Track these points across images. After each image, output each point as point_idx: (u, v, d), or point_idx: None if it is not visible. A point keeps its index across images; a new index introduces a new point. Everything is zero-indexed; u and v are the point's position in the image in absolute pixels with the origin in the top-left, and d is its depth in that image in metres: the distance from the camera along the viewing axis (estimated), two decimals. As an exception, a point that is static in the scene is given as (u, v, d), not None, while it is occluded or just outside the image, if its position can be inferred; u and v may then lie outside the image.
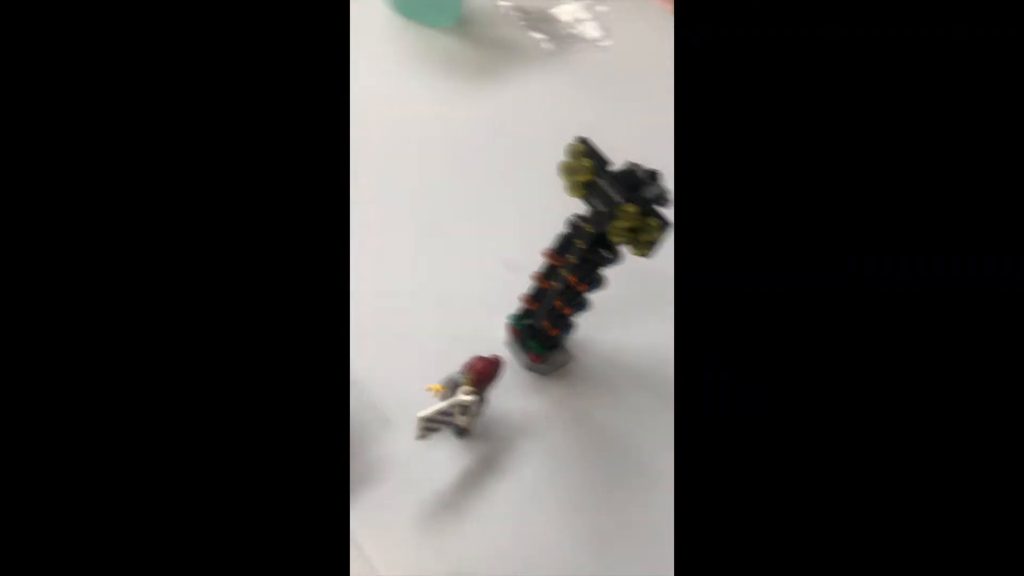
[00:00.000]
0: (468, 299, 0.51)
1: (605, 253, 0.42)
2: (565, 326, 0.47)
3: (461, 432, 0.44)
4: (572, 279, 0.43)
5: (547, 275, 0.45)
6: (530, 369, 0.49)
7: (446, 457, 0.44)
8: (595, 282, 0.43)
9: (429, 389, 0.41)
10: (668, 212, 0.37)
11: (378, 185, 0.55)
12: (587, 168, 0.40)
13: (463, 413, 0.41)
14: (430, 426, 0.40)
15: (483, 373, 0.41)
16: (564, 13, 0.75)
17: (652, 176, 0.39)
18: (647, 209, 0.38)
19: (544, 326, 0.46)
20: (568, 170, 0.41)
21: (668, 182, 0.38)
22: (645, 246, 0.38)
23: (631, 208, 0.37)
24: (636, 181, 0.39)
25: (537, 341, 0.48)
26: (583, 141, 0.40)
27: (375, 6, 0.70)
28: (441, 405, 0.40)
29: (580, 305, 0.45)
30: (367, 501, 0.40)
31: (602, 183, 0.39)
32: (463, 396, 0.41)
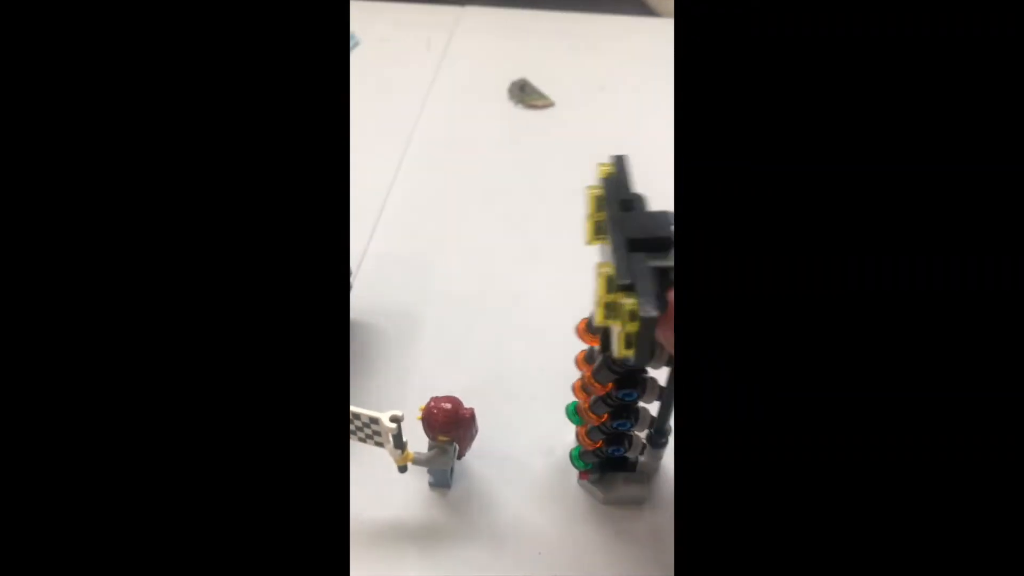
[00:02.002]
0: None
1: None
2: (615, 439, 0.36)
3: (433, 482, 0.40)
4: (590, 377, 0.33)
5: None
6: (584, 489, 0.40)
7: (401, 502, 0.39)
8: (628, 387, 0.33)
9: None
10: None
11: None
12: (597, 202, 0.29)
13: (397, 446, 0.35)
14: (355, 427, 0.35)
15: (433, 421, 0.36)
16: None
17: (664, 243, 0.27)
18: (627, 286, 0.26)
19: (579, 433, 0.37)
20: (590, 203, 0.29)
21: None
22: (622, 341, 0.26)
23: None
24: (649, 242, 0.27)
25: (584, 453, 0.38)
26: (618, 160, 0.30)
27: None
28: (369, 412, 0.34)
29: (621, 413, 0.34)
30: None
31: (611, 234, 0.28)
32: (385, 418, 0.34)
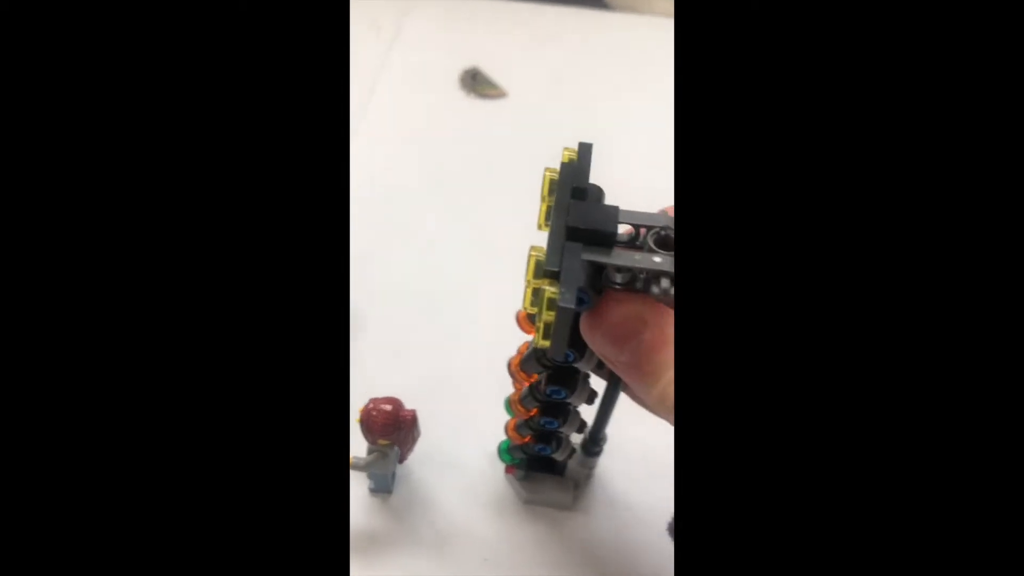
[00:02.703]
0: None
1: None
2: (542, 437, 0.34)
3: (373, 487, 0.38)
4: (516, 366, 0.32)
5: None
6: (510, 484, 0.39)
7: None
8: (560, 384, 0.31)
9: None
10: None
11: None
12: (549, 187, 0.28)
13: None
14: None
15: (372, 424, 0.34)
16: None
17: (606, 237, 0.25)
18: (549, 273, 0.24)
19: (508, 426, 0.35)
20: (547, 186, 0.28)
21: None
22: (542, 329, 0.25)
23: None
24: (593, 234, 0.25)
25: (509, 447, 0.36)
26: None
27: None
28: None
29: (549, 410, 0.33)
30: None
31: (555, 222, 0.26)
32: None
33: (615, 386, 0.32)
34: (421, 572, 0.36)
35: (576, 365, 0.30)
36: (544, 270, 0.25)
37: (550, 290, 0.24)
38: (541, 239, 0.28)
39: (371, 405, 0.35)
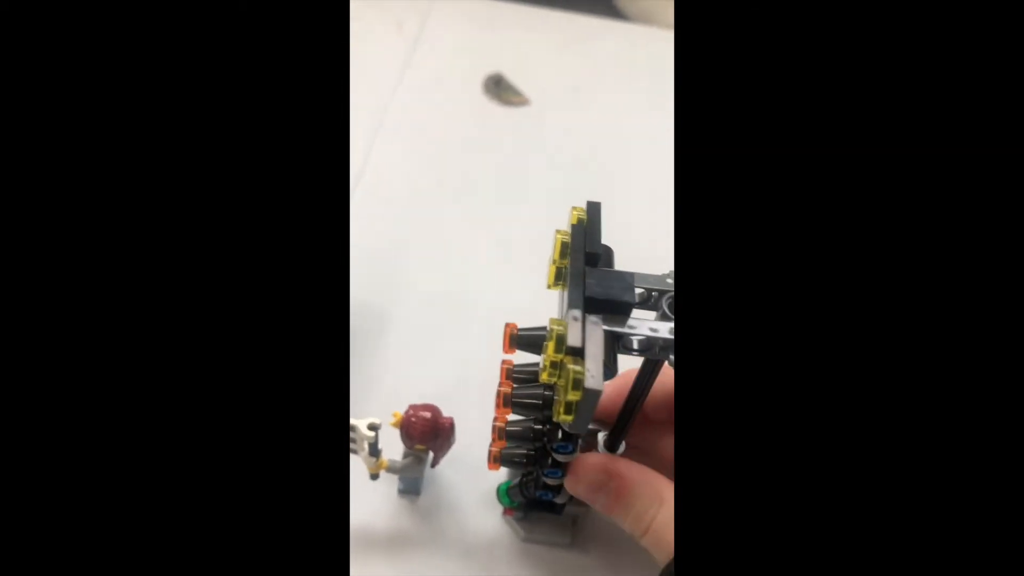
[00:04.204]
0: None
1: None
2: (528, 480, 0.34)
3: (402, 489, 0.39)
4: (502, 415, 0.32)
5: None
6: (508, 524, 0.39)
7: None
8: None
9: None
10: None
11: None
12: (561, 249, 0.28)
13: (372, 454, 0.34)
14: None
15: (412, 430, 0.35)
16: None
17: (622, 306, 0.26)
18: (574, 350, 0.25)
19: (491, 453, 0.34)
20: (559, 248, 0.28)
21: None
22: (562, 407, 0.25)
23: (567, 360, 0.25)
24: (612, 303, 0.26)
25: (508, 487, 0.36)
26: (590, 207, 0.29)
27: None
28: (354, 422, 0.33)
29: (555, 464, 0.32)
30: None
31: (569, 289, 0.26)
32: (363, 426, 0.33)
33: (620, 430, 0.33)
34: (447, 572, 0.37)
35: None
36: (567, 347, 0.25)
37: (575, 368, 0.24)
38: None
39: (411, 412, 0.36)
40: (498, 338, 0.29)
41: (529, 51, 0.74)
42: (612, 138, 0.65)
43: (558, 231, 0.29)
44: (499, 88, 0.67)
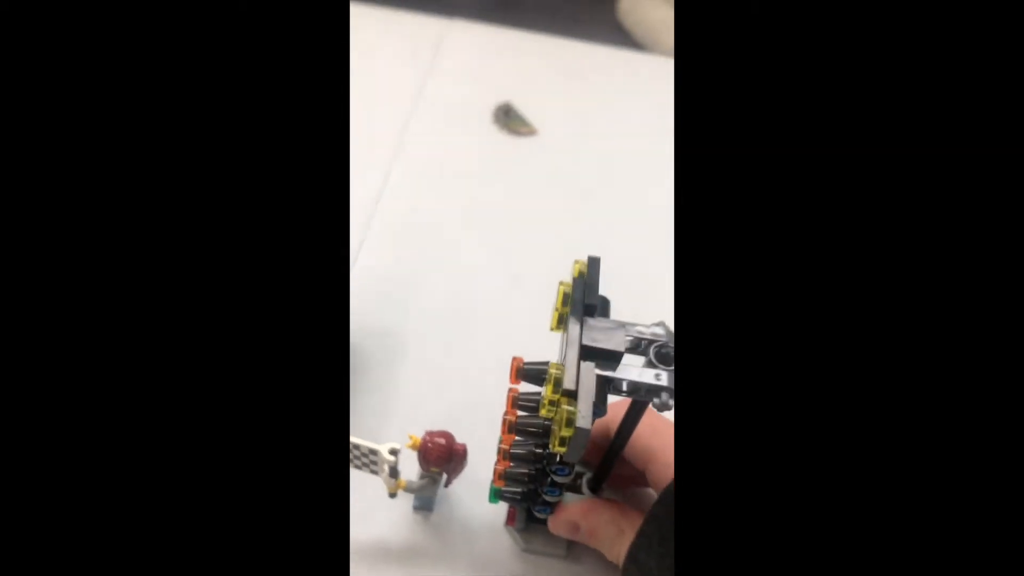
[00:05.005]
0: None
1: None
2: (527, 492, 0.38)
3: (417, 505, 0.42)
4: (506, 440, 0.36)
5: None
6: (510, 534, 0.42)
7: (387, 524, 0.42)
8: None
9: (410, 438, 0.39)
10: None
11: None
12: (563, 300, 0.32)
13: (391, 475, 0.37)
14: (353, 456, 0.38)
15: (428, 455, 0.38)
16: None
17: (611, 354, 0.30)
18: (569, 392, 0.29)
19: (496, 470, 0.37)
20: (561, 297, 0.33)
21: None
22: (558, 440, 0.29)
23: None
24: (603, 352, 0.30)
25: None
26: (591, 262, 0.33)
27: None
28: (368, 443, 0.36)
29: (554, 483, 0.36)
30: None
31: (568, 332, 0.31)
32: (384, 451, 0.36)
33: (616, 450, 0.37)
34: (457, 584, 0.41)
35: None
36: (563, 389, 0.29)
37: (568, 409, 0.28)
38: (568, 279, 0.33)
39: (427, 438, 0.39)
40: (506, 363, 0.33)
41: (538, 79, 0.78)
42: (618, 165, 0.69)
43: (561, 282, 0.33)
44: (508, 118, 0.71)
